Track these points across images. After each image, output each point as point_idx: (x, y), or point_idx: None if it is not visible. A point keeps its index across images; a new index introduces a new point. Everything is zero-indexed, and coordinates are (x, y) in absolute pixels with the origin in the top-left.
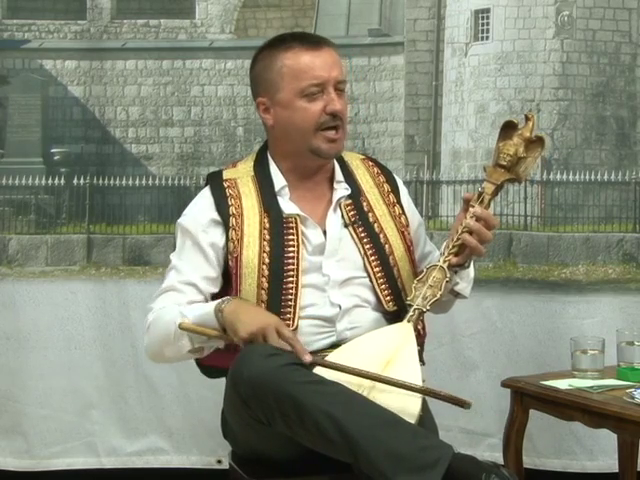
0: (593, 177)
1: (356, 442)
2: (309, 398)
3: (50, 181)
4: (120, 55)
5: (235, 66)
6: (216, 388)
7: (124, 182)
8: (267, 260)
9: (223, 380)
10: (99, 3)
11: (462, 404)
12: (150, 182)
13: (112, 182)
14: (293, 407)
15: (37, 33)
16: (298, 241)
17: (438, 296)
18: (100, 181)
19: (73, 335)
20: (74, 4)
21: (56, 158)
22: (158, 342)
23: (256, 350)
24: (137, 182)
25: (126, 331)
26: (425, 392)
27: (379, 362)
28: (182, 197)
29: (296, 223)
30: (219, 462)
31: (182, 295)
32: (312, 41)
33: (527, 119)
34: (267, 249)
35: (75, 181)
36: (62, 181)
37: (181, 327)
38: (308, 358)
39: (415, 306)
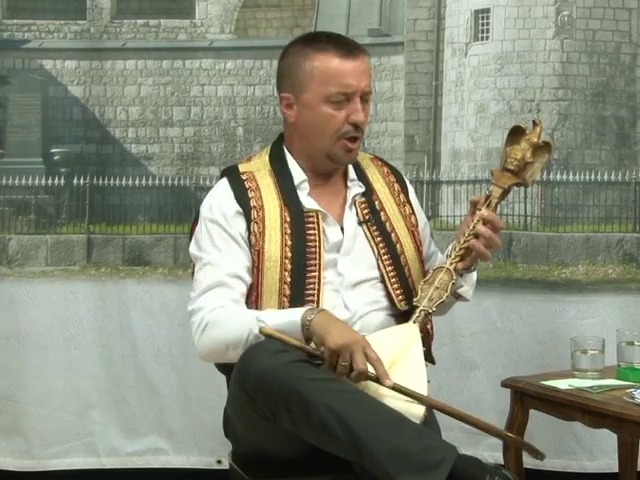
0: (593, 177)
1: (361, 440)
2: (315, 395)
3: (50, 181)
4: (120, 55)
5: (235, 66)
6: (216, 388)
7: (124, 182)
8: (289, 254)
9: (223, 380)
10: (99, 3)
11: (536, 455)
12: (150, 182)
13: (112, 182)
14: (299, 403)
15: (37, 33)
16: (319, 236)
17: (444, 298)
18: (100, 181)
19: (73, 335)
20: (74, 4)
21: (56, 158)
22: (223, 343)
23: (263, 346)
24: (137, 182)
25: (126, 331)
26: (482, 428)
27: (384, 363)
28: (182, 197)
29: (317, 218)
30: (219, 462)
31: (232, 290)
32: (347, 48)
33: (535, 124)
34: (289, 243)
35: (75, 181)
36: (62, 181)
37: (263, 332)
38: (389, 383)
39: (421, 307)
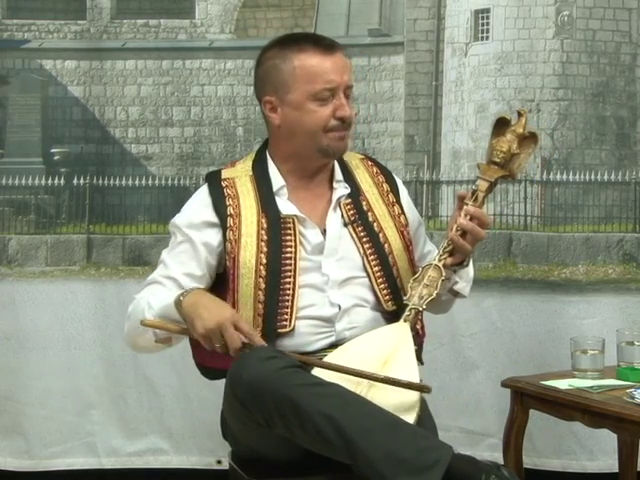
0: (593, 177)
1: (355, 444)
2: (308, 400)
3: (50, 181)
4: (120, 55)
5: (235, 66)
6: (216, 389)
7: (124, 182)
8: (264, 261)
9: (223, 380)
10: (99, 3)
11: (422, 389)
12: (150, 182)
13: (112, 182)
14: (292, 409)
15: (37, 33)
16: (296, 241)
17: (434, 295)
18: (100, 181)
19: (73, 335)
20: (74, 4)
21: (56, 158)
22: (132, 332)
23: (255, 353)
24: (137, 182)
25: None
26: (384, 381)
27: (376, 362)
28: (182, 197)
29: (294, 223)
30: (219, 462)
31: (163, 288)
32: (325, 44)
33: (520, 115)
34: (264, 250)
35: (75, 181)
36: (62, 181)
37: (143, 324)
38: None
39: (411, 305)
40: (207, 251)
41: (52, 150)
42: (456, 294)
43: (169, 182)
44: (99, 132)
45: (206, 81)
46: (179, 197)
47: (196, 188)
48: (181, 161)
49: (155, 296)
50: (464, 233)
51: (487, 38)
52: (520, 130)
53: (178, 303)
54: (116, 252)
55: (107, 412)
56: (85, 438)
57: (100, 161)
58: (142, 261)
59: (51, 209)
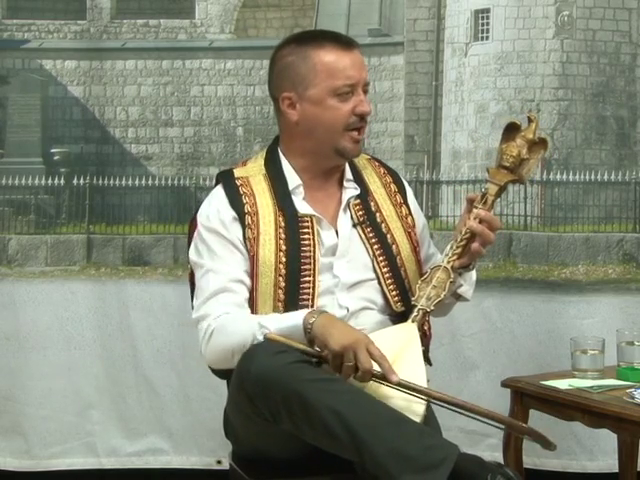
0: (593, 177)
1: (362, 440)
2: (316, 395)
3: (50, 181)
4: (120, 55)
5: (235, 66)
6: (216, 388)
7: (124, 182)
8: (284, 259)
9: (223, 381)
10: (99, 3)
11: (548, 446)
12: (150, 182)
13: (112, 182)
14: (299, 404)
15: (37, 33)
16: (314, 241)
17: (442, 296)
18: (100, 181)
19: (73, 335)
20: (74, 4)
21: (56, 158)
22: (229, 349)
23: (263, 347)
24: (137, 182)
25: (126, 331)
26: (513, 428)
27: None
28: (182, 197)
29: (312, 223)
30: (219, 462)
31: (236, 295)
32: (344, 41)
33: (530, 120)
34: (283, 248)
35: (75, 181)
36: (62, 181)
37: (268, 337)
38: (395, 378)
39: (419, 306)
40: (242, 245)
41: (52, 150)
42: (459, 297)
43: (169, 182)
44: (99, 132)
45: (206, 81)
46: (179, 197)
47: (196, 188)
48: (181, 161)
49: (264, 318)
50: (473, 236)
51: (487, 38)
52: (530, 136)
53: (308, 324)
54: (116, 252)
55: (107, 412)
56: (85, 438)
57: (100, 161)
58: (142, 261)
59: (51, 209)
